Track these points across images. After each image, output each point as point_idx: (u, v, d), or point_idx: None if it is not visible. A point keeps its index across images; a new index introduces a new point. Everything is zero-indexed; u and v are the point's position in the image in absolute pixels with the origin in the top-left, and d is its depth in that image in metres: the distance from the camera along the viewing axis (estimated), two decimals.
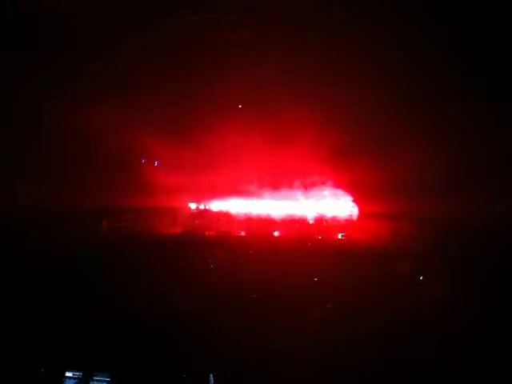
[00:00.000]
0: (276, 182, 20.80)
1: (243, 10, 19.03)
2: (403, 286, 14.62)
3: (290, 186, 20.70)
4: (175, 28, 19.54)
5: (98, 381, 10.06)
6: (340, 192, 20.75)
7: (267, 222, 20.80)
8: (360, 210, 20.61)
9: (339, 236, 20.41)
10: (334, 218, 20.91)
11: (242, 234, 20.79)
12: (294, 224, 20.83)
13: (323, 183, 20.65)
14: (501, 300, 12.92)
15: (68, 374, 10.11)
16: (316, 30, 18.31)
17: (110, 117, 19.10)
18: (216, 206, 21.52)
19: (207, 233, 20.95)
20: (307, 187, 20.72)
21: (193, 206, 21.72)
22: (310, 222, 21.04)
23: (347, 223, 20.73)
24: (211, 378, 10.27)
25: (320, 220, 21.01)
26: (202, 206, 21.71)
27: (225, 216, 21.33)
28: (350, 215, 20.74)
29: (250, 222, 20.99)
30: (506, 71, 17.43)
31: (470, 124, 17.83)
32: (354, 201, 20.69)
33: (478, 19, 17.03)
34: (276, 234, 20.69)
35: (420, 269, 15.43)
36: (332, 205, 20.91)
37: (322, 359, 10.97)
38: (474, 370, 10.39)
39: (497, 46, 17.35)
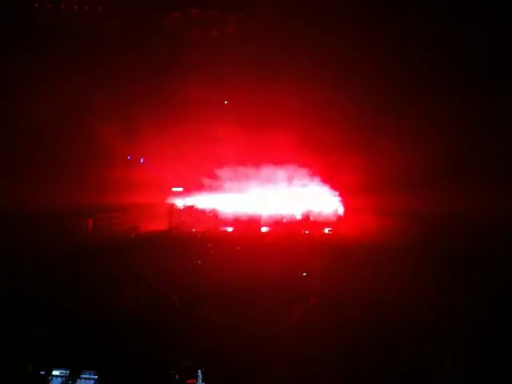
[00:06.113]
0: (263, 179, 20.82)
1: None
2: (388, 280, 14.74)
3: (278, 183, 20.74)
4: (154, 25, 19.52)
5: (85, 379, 10.06)
6: (326, 188, 20.85)
7: (254, 218, 20.81)
8: (346, 206, 20.73)
9: (326, 231, 20.53)
10: (320, 214, 21.00)
11: (229, 230, 20.76)
12: (281, 220, 20.87)
13: (310, 180, 20.73)
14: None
15: (55, 373, 10.10)
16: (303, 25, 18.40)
17: (94, 115, 18.99)
18: (203, 202, 21.45)
19: (194, 229, 20.89)
20: (294, 184, 20.78)
21: (179, 203, 21.63)
22: (297, 217, 21.09)
23: (333, 218, 20.83)
24: (199, 373, 10.29)
25: (307, 215, 21.09)
26: (188, 203, 21.62)
27: (211, 212, 21.28)
28: (336, 210, 20.85)
29: (237, 218, 20.97)
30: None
31: (454, 120, 18.07)
32: (339, 196, 20.80)
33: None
34: (263, 230, 20.69)
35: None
36: (318, 201, 20.99)
37: (309, 357, 11.06)
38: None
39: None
